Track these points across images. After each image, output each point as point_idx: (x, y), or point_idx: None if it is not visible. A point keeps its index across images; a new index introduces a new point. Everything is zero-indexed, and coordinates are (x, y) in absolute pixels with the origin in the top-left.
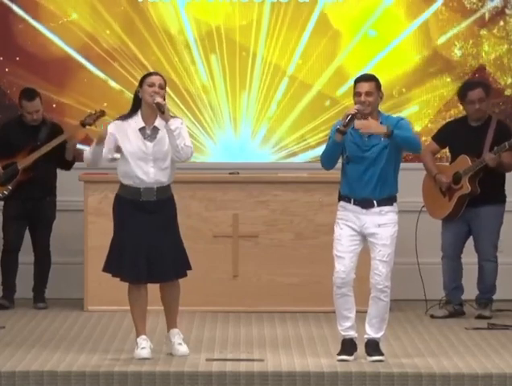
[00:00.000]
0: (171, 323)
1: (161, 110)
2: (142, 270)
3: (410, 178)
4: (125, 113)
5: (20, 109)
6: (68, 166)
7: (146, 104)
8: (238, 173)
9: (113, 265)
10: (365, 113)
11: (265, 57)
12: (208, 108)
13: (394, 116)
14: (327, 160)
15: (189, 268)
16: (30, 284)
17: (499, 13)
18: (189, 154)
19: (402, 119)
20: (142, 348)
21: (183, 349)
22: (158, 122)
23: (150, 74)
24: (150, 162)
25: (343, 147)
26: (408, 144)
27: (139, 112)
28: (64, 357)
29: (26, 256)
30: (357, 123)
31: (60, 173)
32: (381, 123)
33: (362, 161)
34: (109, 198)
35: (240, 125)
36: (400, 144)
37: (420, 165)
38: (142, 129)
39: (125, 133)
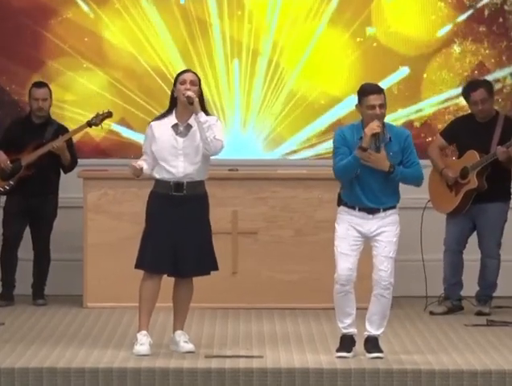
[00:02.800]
0: (178, 324)
1: (189, 102)
2: (164, 262)
3: None
4: (163, 112)
5: (29, 102)
6: (64, 169)
7: (180, 101)
8: (237, 169)
9: (138, 259)
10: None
11: (268, 56)
12: (208, 105)
13: (398, 127)
14: (346, 175)
15: (214, 268)
16: (30, 280)
17: (498, 10)
18: (218, 148)
19: (408, 136)
20: (142, 344)
21: (189, 346)
22: (193, 120)
23: (183, 72)
24: (180, 156)
25: None
26: (406, 182)
27: (174, 112)
28: (63, 353)
29: (25, 252)
30: (371, 158)
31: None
32: (390, 139)
33: (370, 173)
34: (108, 195)
35: (240, 122)
36: (397, 181)
37: (425, 162)
38: (174, 126)
39: (158, 133)
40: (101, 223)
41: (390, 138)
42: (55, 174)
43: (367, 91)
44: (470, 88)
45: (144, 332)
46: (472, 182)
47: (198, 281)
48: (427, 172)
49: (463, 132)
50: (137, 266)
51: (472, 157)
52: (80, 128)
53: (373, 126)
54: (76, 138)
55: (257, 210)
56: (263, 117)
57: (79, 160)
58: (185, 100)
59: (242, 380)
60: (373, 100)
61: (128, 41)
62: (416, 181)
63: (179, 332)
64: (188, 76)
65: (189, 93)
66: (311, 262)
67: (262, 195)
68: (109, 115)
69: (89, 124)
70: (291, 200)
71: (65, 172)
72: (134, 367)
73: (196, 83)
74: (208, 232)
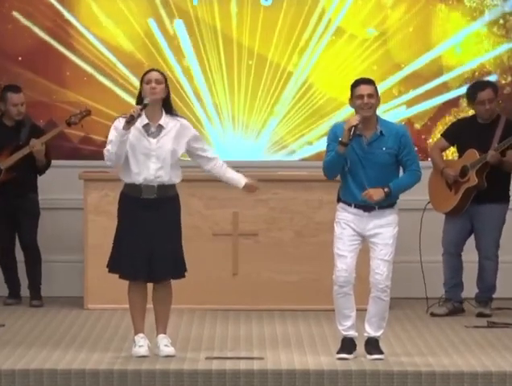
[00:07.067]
0: (160, 328)
1: (127, 121)
2: (142, 269)
3: None
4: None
5: (2, 105)
6: (39, 171)
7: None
8: (238, 171)
9: (114, 262)
10: (366, 116)
11: (266, 56)
12: (209, 106)
13: (393, 123)
14: (331, 171)
15: (185, 270)
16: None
17: (499, 11)
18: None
19: (404, 133)
20: (140, 346)
21: (168, 349)
22: (164, 120)
23: (147, 71)
24: (152, 157)
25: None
26: (406, 188)
27: (143, 111)
28: (63, 355)
29: (19, 254)
30: (368, 195)
31: (61, 171)
32: (381, 132)
33: (363, 169)
34: (108, 196)
35: (240, 123)
36: (397, 193)
37: (424, 163)
38: (145, 126)
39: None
40: (101, 224)
41: (381, 132)
42: (34, 174)
43: (357, 82)
44: (477, 88)
45: (141, 335)
46: (472, 179)
47: (199, 283)
48: (427, 174)
49: (464, 133)
50: (112, 270)
51: (472, 155)
52: (60, 128)
53: (351, 120)
54: (76, 140)
55: (257, 211)
56: (266, 118)
57: (80, 161)
58: (128, 114)
59: (243, 382)
60: (361, 90)
61: (134, 47)
62: (415, 184)
63: (161, 336)
64: (153, 75)
65: (134, 111)
66: (311, 263)
67: (262, 197)
68: (87, 113)
69: (68, 123)
70: (291, 202)
71: (39, 174)
72: (134, 369)
73: (162, 81)
74: (179, 234)
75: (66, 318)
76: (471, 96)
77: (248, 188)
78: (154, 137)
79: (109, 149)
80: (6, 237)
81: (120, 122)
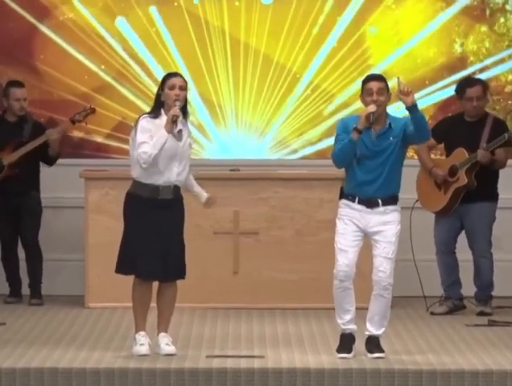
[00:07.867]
0: (163, 327)
1: (173, 120)
2: (157, 268)
3: (403, 175)
4: (151, 111)
5: (5, 101)
6: (51, 161)
7: (169, 106)
8: (239, 170)
9: (124, 263)
10: (375, 114)
11: (267, 55)
12: (209, 105)
13: (401, 117)
14: (342, 159)
15: (185, 272)
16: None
17: (500, 9)
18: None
19: (407, 119)
20: (141, 345)
21: (169, 348)
22: (181, 125)
23: (170, 75)
24: (176, 161)
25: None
26: (424, 124)
27: (163, 113)
28: (64, 354)
29: (20, 252)
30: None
31: (62, 169)
32: (389, 125)
33: (371, 160)
34: (109, 195)
35: (241, 121)
36: (419, 120)
37: (412, 162)
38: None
39: (159, 131)
40: (102, 223)
41: (389, 124)
42: (36, 172)
43: (368, 78)
44: (467, 83)
45: (143, 333)
46: (462, 179)
47: (199, 281)
48: (412, 173)
49: (452, 131)
50: (126, 271)
51: (461, 154)
52: (64, 126)
53: (369, 108)
54: (78, 138)
55: (258, 210)
56: (266, 117)
57: (81, 160)
58: (169, 115)
59: (244, 380)
60: (371, 86)
61: (131, 43)
62: (428, 127)
63: (162, 334)
64: (178, 81)
65: (176, 112)
66: (311, 262)
67: (263, 195)
68: (91, 111)
69: (72, 121)
70: (291, 200)
71: (51, 164)
72: (135, 368)
73: (184, 87)
74: (182, 235)
75: (67, 317)
76: (459, 91)
77: (208, 203)
78: (178, 141)
79: (147, 151)
80: (8, 235)
81: (148, 122)
